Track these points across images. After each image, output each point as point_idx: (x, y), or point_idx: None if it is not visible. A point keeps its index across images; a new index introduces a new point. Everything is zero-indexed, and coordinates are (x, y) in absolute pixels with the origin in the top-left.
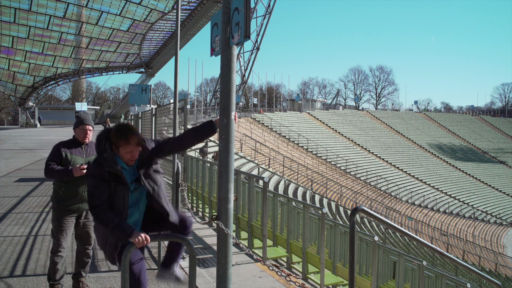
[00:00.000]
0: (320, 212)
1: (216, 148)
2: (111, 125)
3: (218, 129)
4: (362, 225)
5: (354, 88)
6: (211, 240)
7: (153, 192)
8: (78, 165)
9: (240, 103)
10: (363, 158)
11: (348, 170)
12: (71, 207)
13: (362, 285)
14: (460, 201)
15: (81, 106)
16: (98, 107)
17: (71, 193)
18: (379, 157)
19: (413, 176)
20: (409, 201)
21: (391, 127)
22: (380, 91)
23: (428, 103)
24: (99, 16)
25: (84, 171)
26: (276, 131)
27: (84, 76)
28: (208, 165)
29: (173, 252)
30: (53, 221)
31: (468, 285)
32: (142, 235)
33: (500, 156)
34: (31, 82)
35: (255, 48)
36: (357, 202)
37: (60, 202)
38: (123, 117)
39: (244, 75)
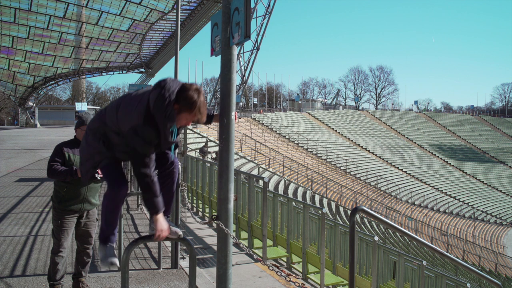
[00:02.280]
0: (320, 212)
1: (216, 148)
2: None
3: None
4: (362, 225)
5: (354, 88)
6: (211, 240)
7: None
8: None
9: (240, 103)
10: (363, 158)
11: (348, 170)
12: (73, 207)
13: (362, 285)
14: (460, 201)
15: (81, 106)
16: (98, 107)
17: (73, 193)
18: (379, 157)
19: (413, 176)
20: (409, 201)
21: (391, 127)
22: (380, 91)
23: (428, 103)
24: (99, 16)
25: None
26: (276, 131)
27: (84, 76)
28: (208, 165)
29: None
30: (53, 221)
31: (468, 285)
32: (166, 227)
33: (500, 156)
34: (31, 82)
35: (255, 48)
36: (357, 202)
37: (62, 203)
38: None
39: (244, 75)
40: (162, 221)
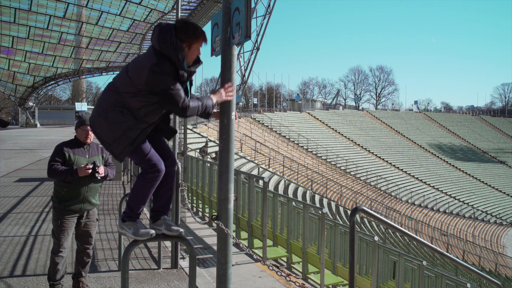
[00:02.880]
0: (320, 212)
1: (216, 148)
2: None
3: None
4: (362, 225)
5: (354, 88)
6: (211, 240)
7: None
8: (83, 165)
9: (240, 103)
10: (363, 158)
11: (348, 170)
12: (73, 207)
13: (362, 285)
14: (460, 201)
15: (81, 106)
16: None
17: (74, 193)
18: (379, 157)
19: (413, 176)
20: (409, 201)
21: (391, 127)
22: (380, 91)
23: (428, 103)
24: (99, 16)
25: (89, 171)
26: (276, 131)
27: (84, 76)
28: (208, 165)
29: (162, 202)
30: (53, 221)
31: (468, 285)
32: (222, 89)
33: (500, 156)
34: (31, 82)
35: (255, 48)
36: (357, 202)
37: (62, 203)
38: None
39: (244, 75)
40: (218, 93)
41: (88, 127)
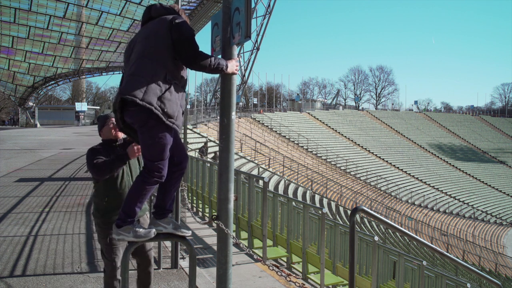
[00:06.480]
0: (320, 212)
1: (216, 148)
2: None
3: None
4: (362, 225)
5: (354, 88)
6: (211, 240)
7: None
8: (132, 144)
9: (240, 103)
10: (363, 158)
11: (348, 170)
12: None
13: (362, 285)
14: (460, 201)
15: (81, 106)
16: (98, 107)
17: (116, 202)
18: (379, 157)
19: (413, 176)
20: (409, 201)
21: (391, 127)
22: (380, 91)
23: (428, 103)
24: (99, 16)
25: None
26: (276, 131)
27: (84, 76)
28: (208, 165)
29: (170, 199)
30: (100, 239)
31: (468, 285)
32: (235, 60)
33: (500, 156)
34: (31, 82)
35: (255, 48)
36: (357, 202)
37: (105, 215)
38: None
39: (244, 75)
40: (231, 62)
41: (114, 119)
